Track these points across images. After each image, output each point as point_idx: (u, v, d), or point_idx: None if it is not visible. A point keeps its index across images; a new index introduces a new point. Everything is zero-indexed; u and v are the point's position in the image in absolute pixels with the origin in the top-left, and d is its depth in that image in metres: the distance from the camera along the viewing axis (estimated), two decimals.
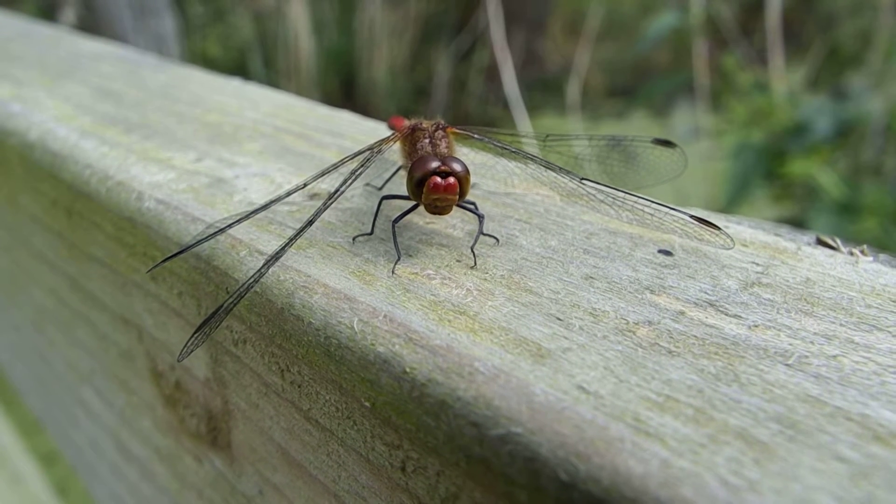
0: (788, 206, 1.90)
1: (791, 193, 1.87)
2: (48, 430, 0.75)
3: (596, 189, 0.32)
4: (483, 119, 3.99)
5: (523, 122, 2.35)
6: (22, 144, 0.47)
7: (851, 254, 0.30)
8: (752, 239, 0.31)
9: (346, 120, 0.50)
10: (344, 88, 4.25)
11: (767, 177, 1.79)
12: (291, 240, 0.29)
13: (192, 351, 0.27)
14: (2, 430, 1.34)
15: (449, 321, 0.25)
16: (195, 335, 0.26)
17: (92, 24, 2.77)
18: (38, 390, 0.71)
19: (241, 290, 0.27)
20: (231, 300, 0.27)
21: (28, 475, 1.26)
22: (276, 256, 0.28)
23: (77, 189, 0.41)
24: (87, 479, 0.66)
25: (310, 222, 0.30)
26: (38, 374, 0.67)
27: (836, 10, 3.42)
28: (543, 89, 4.15)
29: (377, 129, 0.48)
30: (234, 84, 0.60)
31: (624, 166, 0.38)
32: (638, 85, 3.91)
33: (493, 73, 3.74)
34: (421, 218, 0.34)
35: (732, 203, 1.73)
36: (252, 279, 0.27)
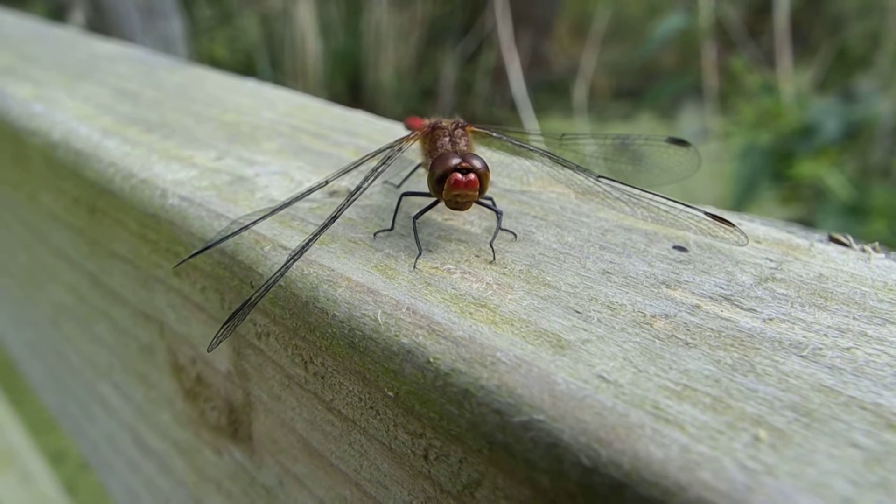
0: (796, 207, 1.90)
1: (799, 195, 1.87)
2: (63, 427, 0.76)
3: (611, 187, 0.33)
4: (489, 120, 3.99)
5: (530, 123, 2.36)
6: (45, 144, 0.48)
7: (864, 250, 0.30)
8: (765, 236, 0.32)
9: (360, 119, 0.50)
10: (350, 90, 4.27)
11: (775, 178, 1.79)
12: (316, 235, 0.29)
13: (219, 343, 0.28)
14: (12, 429, 1.35)
15: (470, 314, 0.26)
16: (225, 326, 0.27)
17: (100, 25, 2.79)
18: (54, 386, 0.72)
19: (269, 282, 0.28)
20: (259, 293, 0.28)
21: (38, 473, 1.27)
22: (302, 250, 0.28)
23: (100, 187, 0.42)
24: (102, 474, 0.67)
25: (333, 218, 0.30)
26: (55, 370, 0.68)
27: (844, 12, 3.41)
28: (550, 91, 4.15)
29: (391, 129, 0.48)
30: (249, 85, 0.61)
31: (638, 165, 0.39)
32: (645, 87, 3.91)
33: (499, 75, 3.75)
34: (439, 214, 0.35)
35: (740, 204, 1.73)
36: (279, 272, 0.28)
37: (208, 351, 0.27)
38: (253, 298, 0.28)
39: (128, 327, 0.46)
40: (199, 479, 0.45)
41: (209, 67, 0.70)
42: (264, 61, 4.08)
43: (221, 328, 0.27)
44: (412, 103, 4.14)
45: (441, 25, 4.31)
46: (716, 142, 2.42)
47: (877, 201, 1.63)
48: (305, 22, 3.94)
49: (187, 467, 0.46)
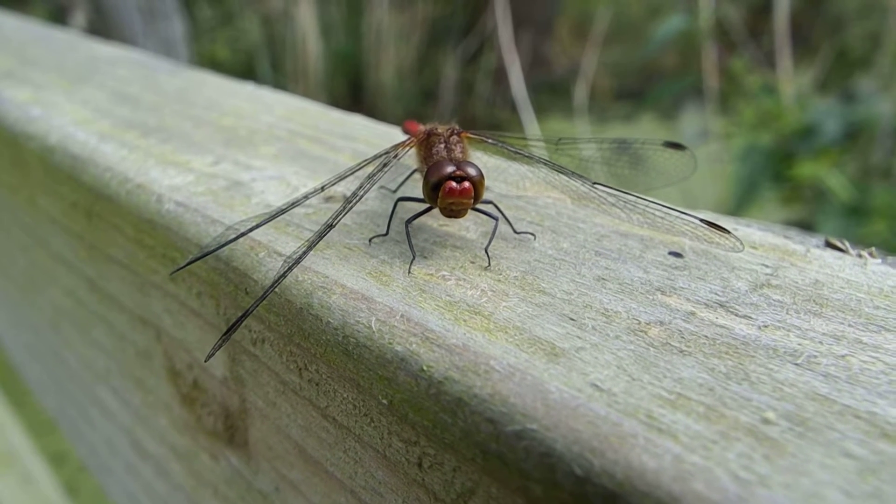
0: (797, 208, 1.90)
1: (799, 196, 1.87)
2: (62, 430, 0.76)
3: (607, 192, 0.32)
4: (490, 121, 4.00)
5: (531, 124, 2.36)
6: (42, 148, 0.48)
7: (860, 256, 0.30)
8: (762, 241, 0.32)
9: (358, 124, 0.50)
10: (351, 91, 4.27)
11: (776, 179, 1.79)
12: (312, 244, 0.29)
13: (215, 353, 0.27)
14: (13, 431, 1.35)
15: (464, 321, 0.26)
16: (223, 338, 0.27)
17: (101, 27, 2.80)
18: (53, 390, 0.72)
19: (267, 292, 0.27)
20: (255, 304, 0.28)
21: (38, 475, 1.27)
22: (298, 260, 0.28)
23: (97, 191, 0.42)
24: (101, 478, 0.67)
25: (330, 226, 0.30)
26: (54, 373, 0.68)
27: (844, 13, 3.41)
28: (551, 92, 4.15)
29: (389, 133, 0.48)
30: (248, 88, 0.61)
31: (634, 168, 0.39)
32: (645, 88, 3.91)
33: (500, 76, 3.76)
34: (435, 220, 0.35)
35: (741, 205, 1.72)
36: (276, 282, 0.28)
37: (205, 361, 0.27)
38: (249, 309, 0.28)
39: (125, 332, 0.46)
40: (196, 483, 0.45)
41: (209, 70, 0.70)
42: (265, 62, 4.08)
43: (219, 340, 0.27)
44: (413, 104, 4.14)
45: (442, 26, 4.32)
46: (716, 143, 2.41)
47: (878, 202, 1.63)
48: (306, 23, 3.94)
49: (185, 472, 0.46)
